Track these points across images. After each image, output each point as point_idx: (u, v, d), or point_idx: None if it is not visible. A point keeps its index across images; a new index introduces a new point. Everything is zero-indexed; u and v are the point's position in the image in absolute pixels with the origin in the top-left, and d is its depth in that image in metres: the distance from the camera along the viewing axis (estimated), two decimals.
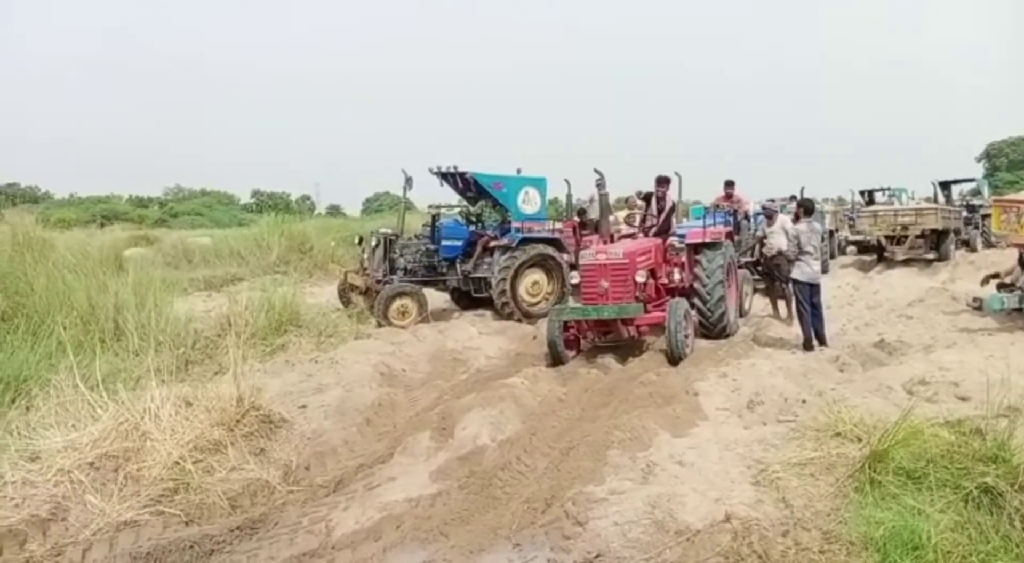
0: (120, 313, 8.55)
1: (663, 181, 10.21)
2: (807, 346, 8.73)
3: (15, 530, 4.37)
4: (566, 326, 8.75)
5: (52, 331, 7.39)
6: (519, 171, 12.83)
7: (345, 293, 12.66)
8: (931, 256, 18.31)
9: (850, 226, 21.85)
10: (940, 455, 4.43)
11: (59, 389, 5.78)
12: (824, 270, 9.38)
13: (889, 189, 23.81)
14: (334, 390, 7.30)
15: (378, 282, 11.88)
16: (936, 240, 18.25)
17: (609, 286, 8.49)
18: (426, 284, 12.31)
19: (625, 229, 11.07)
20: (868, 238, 19.35)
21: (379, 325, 11.08)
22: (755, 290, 13.00)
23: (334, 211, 55.97)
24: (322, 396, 7.09)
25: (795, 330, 9.34)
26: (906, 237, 18.11)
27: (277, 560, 4.27)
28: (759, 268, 13.90)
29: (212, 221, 46.99)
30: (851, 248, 20.89)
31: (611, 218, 10.54)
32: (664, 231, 10.17)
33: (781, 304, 11.19)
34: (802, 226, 9.02)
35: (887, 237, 18.48)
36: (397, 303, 11.32)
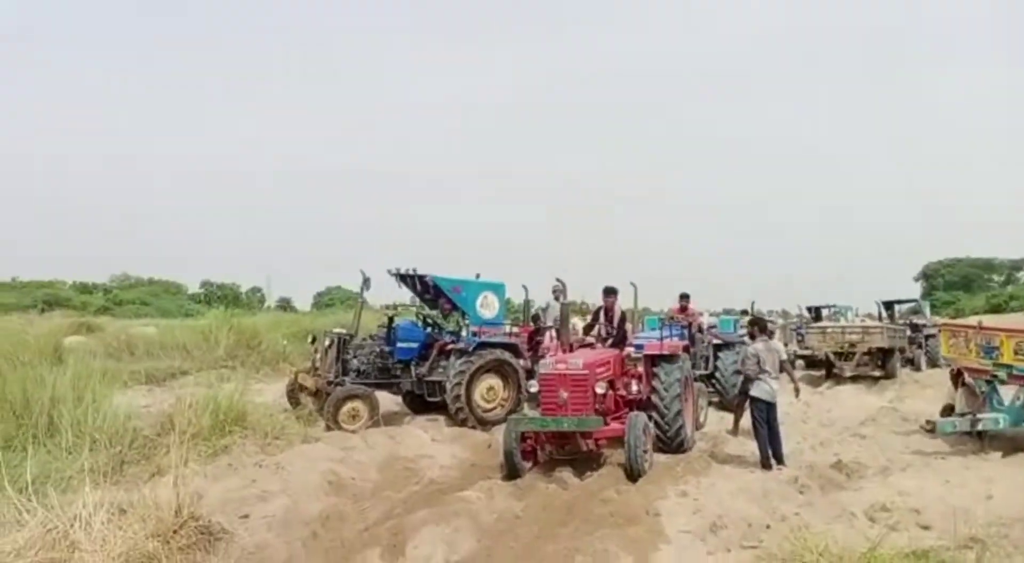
0: (56, 407, 8.12)
1: (610, 292, 10.33)
2: (764, 464, 8.66)
3: None
4: (523, 437, 8.54)
5: None
6: (478, 276, 12.85)
7: (294, 393, 12.28)
8: (878, 373, 18.68)
9: (798, 341, 22.26)
10: None
11: None
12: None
13: (835, 306, 24.50)
14: (279, 499, 6.92)
15: (329, 383, 11.57)
16: (883, 358, 18.65)
17: (568, 397, 8.36)
18: (379, 386, 12.01)
19: (584, 338, 11.04)
20: (816, 353, 19.72)
21: (328, 428, 10.71)
22: (709, 403, 13.00)
23: (284, 304, 55.29)
24: (266, 505, 6.70)
25: (750, 446, 9.27)
26: (854, 354, 18.50)
27: None
28: (713, 382, 14.00)
29: (158, 311, 46.05)
30: (800, 362, 21.20)
31: (570, 326, 10.52)
32: (620, 341, 10.17)
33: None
34: (759, 345, 9.12)
35: (836, 353, 18.84)
36: (348, 406, 10.99)
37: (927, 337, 21.34)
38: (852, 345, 18.49)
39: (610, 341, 10.20)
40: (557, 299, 12.66)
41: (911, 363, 20.67)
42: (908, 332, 21.25)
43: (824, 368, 19.55)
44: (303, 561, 5.76)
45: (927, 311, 26.43)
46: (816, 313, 24.20)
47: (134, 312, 44.61)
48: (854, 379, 18.37)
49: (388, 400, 12.73)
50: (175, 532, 5.41)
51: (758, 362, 8.91)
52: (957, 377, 10.71)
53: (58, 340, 16.22)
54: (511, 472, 8.22)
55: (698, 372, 13.14)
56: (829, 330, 19.41)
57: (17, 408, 7.90)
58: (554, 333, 12.58)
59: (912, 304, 25.76)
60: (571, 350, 9.41)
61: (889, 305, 22.83)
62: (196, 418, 8.82)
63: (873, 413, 12.62)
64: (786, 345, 21.70)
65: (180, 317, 36.11)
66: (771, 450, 8.76)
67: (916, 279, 72.15)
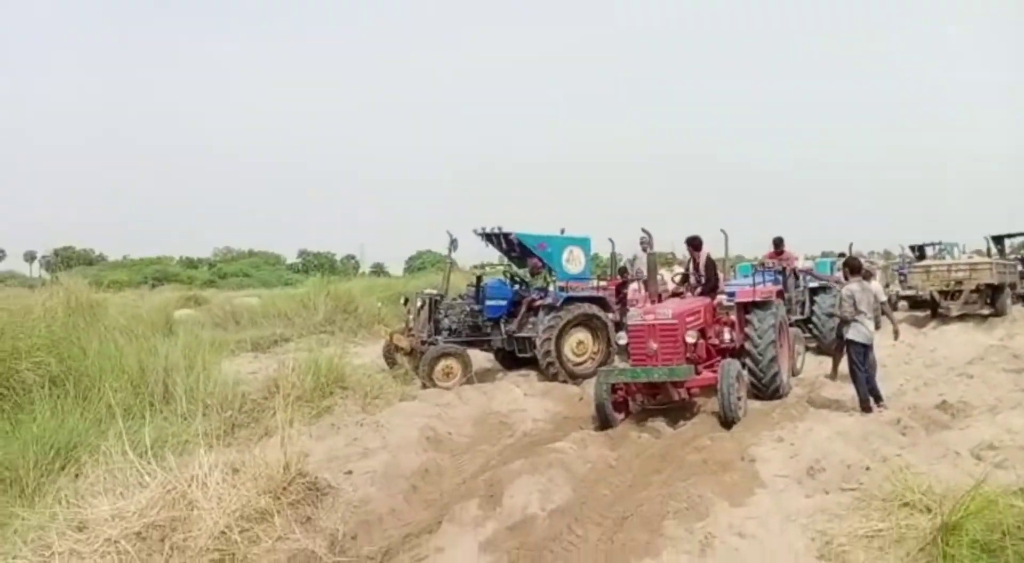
0: (169, 376, 8.60)
1: (693, 244, 10.16)
2: (864, 407, 8.44)
3: None
4: (614, 388, 8.57)
5: (102, 395, 7.44)
6: (563, 231, 12.83)
7: (390, 354, 12.65)
8: (987, 312, 17.78)
9: (901, 281, 21.40)
10: (1016, 526, 4.15)
11: (108, 456, 5.76)
12: (876, 326, 9.14)
13: (940, 243, 23.39)
14: (380, 455, 7.20)
15: (423, 343, 11.86)
16: (992, 295, 17.74)
17: (658, 347, 8.33)
18: (470, 344, 12.25)
19: (671, 288, 10.93)
20: (921, 293, 18.89)
21: (424, 386, 11.02)
22: (807, 349, 12.71)
23: (378, 270, 56.71)
24: (368, 461, 6.99)
25: (849, 391, 9.04)
26: (960, 292, 17.65)
27: None
28: (810, 327, 13.65)
29: (259, 281, 47.93)
30: (902, 304, 20.39)
31: (658, 277, 10.43)
32: (711, 290, 10.02)
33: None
34: (854, 286, 8.81)
35: (941, 292, 18.03)
36: (442, 364, 11.27)
37: None
38: (958, 283, 17.64)
39: (699, 290, 10.06)
40: (644, 250, 12.53)
41: (1022, 299, 19.61)
42: (1020, 267, 20.13)
43: (929, 308, 18.74)
44: (405, 513, 5.98)
45: None
46: (920, 252, 23.19)
47: (237, 284, 46.62)
48: (961, 318, 17.55)
49: (480, 357, 12.97)
50: (285, 488, 5.71)
51: (853, 303, 8.64)
52: None
53: (169, 313, 17.14)
54: (603, 423, 8.29)
55: (794, 317, 12.84)
56: (933, 268, 18.56)
57: (134, 378, 8.39)
58: (640, 285, 12.48)
59: None
60: (659, 300, 9.34)
61: (999, 239, 21.64)
62: (299, 381, 9.21)
63: (981, 352, 12.05)
64: (887, 286, 20.93)
65: (280, 286, 37.44)
66: (869, 389, 8.55)
67: None
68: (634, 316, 8.76)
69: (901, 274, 21.73)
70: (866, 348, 8.65)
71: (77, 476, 5.83)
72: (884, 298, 10.01)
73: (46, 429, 6.39)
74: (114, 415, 6.38)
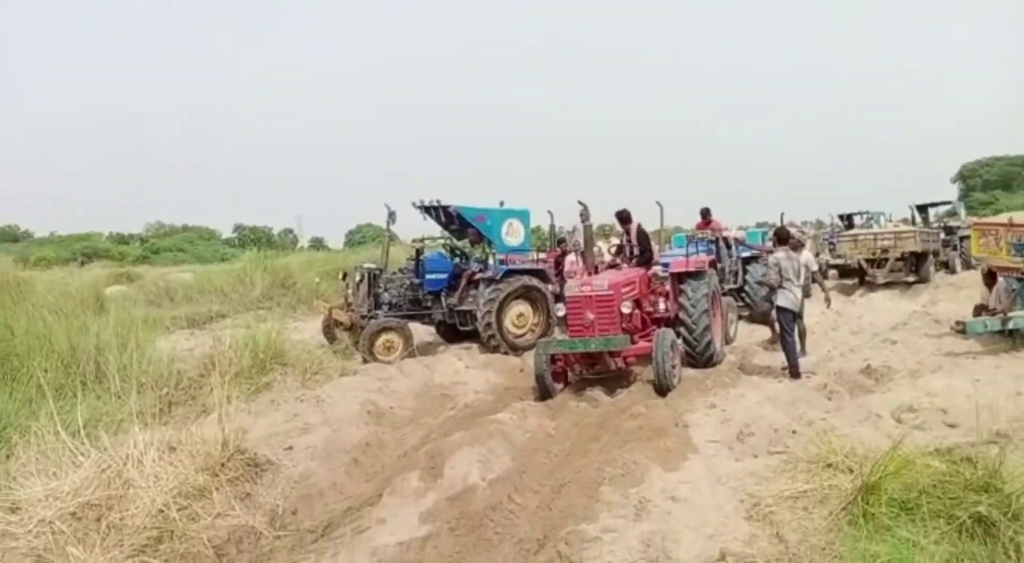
0: (102, 354, 8.42)
1: (623, 218, 10.34)
2: (793, 373, 8.76)
3: None
4: (553, 359, 8.71)
5: (32, 375, 7.26)
6: (502, 203, 12.86)
7: (330, 329, 12.57)
8: (911, 279, 18.47)
9: (830, 250, 22.05)
10: (932, 485, 4.39)
11: (40, 436, 5.64)
12: (807, 295, 9.47)
13: (867, 212, 24.12)
14: (321, 430, 7.21)
15: (363, 317, 11.82)
16: (916, 263, 18.43)
17: (595, 318, 8.48)
18: (411, 318, 12.25)
19: (608, 259, 11.10)
20: (849, 262, 19.49)
21: (365, 361, 11.01)
22: (740, 317, 13.05)
23: (317, 244, 55.85)
24: (308, 436, 6.99)
25: (780, 357, 9.35)
26: (886, 260, 18.28)
27: None
28: (742, 296, 14.02)
29: (194, 257, 46.81)
30: (832, 272, 21.03)
31: (595, 249, 10.57)
32: (646, 261, 10.21)
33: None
34: (780, 254, 9.11)
35: (868, 260, 18.63)
36: (383, 338, 11.26)
37: (962, 239, 20.95)
38: (884, 251, 18.25)
39: (634, 261, 10.24)
40: (583, 222, 12.63)
41: (946, 266, 20.42)
42: (943, 235, 20.91)
43: (857, 276, 19.38)
44: (346, 487, 6.01)
45: (963, 213, 25.91)
46: (848, 221, 23.85)
47: (171, 259, 45.46)
48: (887, 285, 18.20)
49: (422, 331, 12.99)
50: (223, 465, 5.69)
51: (779, 271, 8.94)
52: (989, 277, 10.62)
53: (99, 290, 16.62)
54: (543, 394, 8.42)
55: (727, 286, 13.17)
56: (861, 237, 19.15)
57: (65, 357, 8.20)
58: (578, 256, 12.63)
59: (947, 206, 25.25)
60: (596, 272, 9.48)
61: (923, 208, 22.42)
62: (237, 358, 9.11)
63: (905, 318, 12.55)
64: (817, 255, 21.54)
65: (216, 262, 36.69)
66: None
67: (953, 180, 70.52)
68: (571, 288, 8.89)
69: (830, 243, 22.38)
70: (794, 315, 8.97)
71: (8, 457, 5.70)
72: (815, 267, 10.34)
73: None
74: (45, 395, 6.25)
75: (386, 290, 12.37)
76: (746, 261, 14.26)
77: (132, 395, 6.97)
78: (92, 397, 7.41)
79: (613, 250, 11.03)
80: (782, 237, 9.38)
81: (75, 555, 4.54)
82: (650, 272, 9.96)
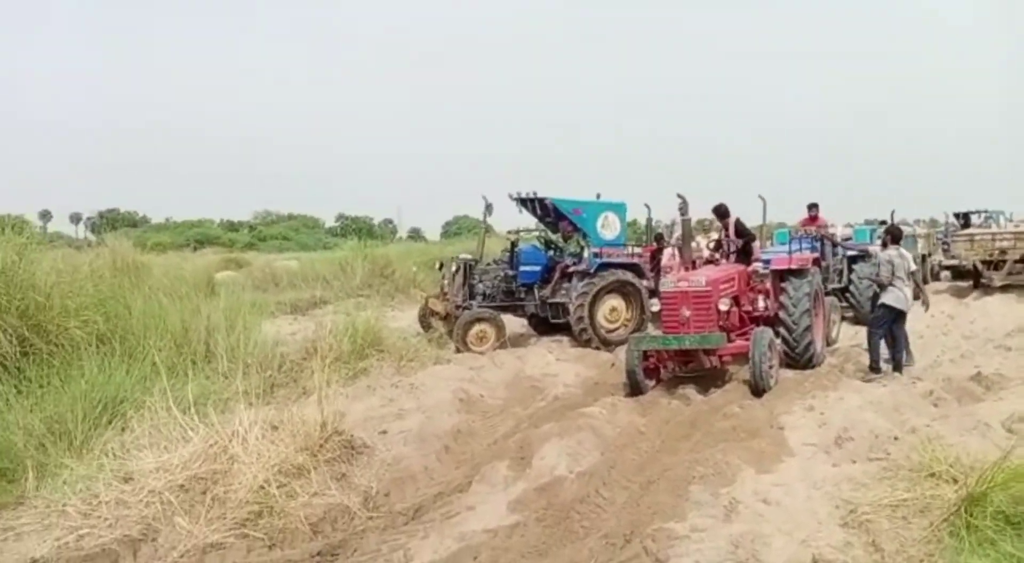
0: (211, 336, 8.84)
1: (720, 213, 10.14)
2: (873, 368, 8.74)
3: (108, 550, 4.54)
4: (646, 355, 8.62)
5: (147, 353, 7.69)
6: (599, 196, 12.80)
7: (425, 318, 12.81)
8: None
9: (944, 250, 20.99)
10: None
11: (153, 411, 6.00)
12: (915, 296, 9.15)
13: (986, 211, 22.83)
14: (414, 416, 7.37)
15: (457, 307, 11.99)
16: None
17: (691, 315, 8.35)
18: (504, 310, 12.35)
19: (707, 255, 10.90)
20: (963, 263, 18.49)
21: (458, 350, 11.17)
22: (843, 318, 12.61)
23: (415, 235, 57.05)
24: (402, 422, 7.17)
25: (886, 367, 9.01)
26: (1004, 262, 17.23)
27: None
28: (847, 296, 13.52)
29: (298, 245, 48.52)
30: (945, 273, 20.00)
31: (693, 244, 10.40)
32: (746, 256, 9.99)
33: None
34: (892, 252, 8.89)
35: (984, 262, 17.62)
36: (476, 328, 11.40)
37: None
38: (1003, 252, 17.19)
39: (733, 257, 10.03)
40: (681, 216, 12.48)
41: None
42: None
43: (972, 278, 18.38)
44: (437, 472, 6.14)
45: None
46: (965, 219, 22.67)
47: (277, 246, 47.24)
48: (1004, 289, 17.17)
49: (514, 323, 13.07)
50: (321, 446, 5.91)
51: (891, 269, 8.71)
52: None
53: (210, 275, 17.50)
54: (634, 389, 8.36)
55: (831, 286, 12.74)
56: (977, 237, 18.12)
57: (177, 337, 8.64)
58: (675, 251, 12.45)
59: None
60: (694, 267, 9.33)
61: None
62: (337, 343, 9.40)
63: (1022, 324, 11.84)
64: (930, 255, 20.55)
65: (319, 250, 37.88)
66: (894, 360, 8.85)
67: None
68: (667, 283, 8.79)
69: (944, 243, 21.29)
70: (898, 313, 8.73)
71: (123, 430, 6.08)
72: (914, 267, 9.96)
73: (94, 385, 6.63)
74: (158, 372, 6.60)
75: (481, 281, 12.50)
76: (852, 260, 13.73)
77: (238, 375, 7.28)
78: (202, 376, 7.78)
79: (712, 245, 10.82)
80: (896, 235, 9.25)
81: (181, 525, 4.82)
82: (750, 269, 9.74)
